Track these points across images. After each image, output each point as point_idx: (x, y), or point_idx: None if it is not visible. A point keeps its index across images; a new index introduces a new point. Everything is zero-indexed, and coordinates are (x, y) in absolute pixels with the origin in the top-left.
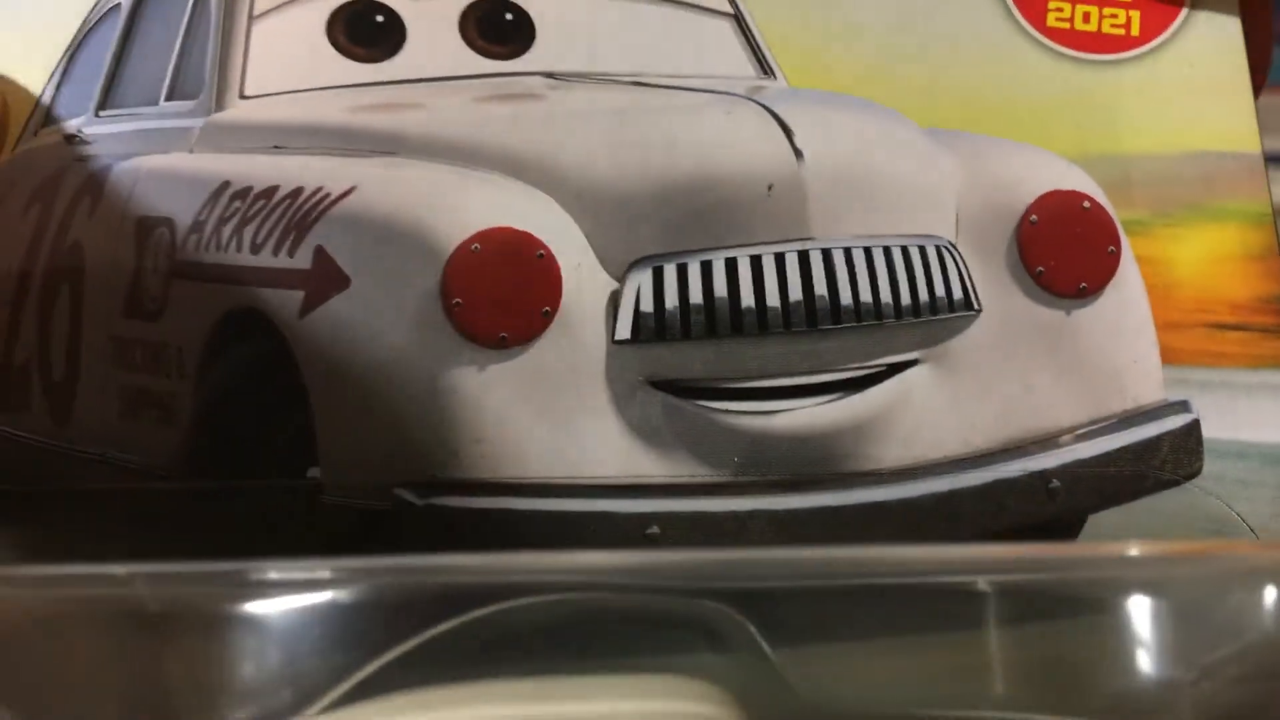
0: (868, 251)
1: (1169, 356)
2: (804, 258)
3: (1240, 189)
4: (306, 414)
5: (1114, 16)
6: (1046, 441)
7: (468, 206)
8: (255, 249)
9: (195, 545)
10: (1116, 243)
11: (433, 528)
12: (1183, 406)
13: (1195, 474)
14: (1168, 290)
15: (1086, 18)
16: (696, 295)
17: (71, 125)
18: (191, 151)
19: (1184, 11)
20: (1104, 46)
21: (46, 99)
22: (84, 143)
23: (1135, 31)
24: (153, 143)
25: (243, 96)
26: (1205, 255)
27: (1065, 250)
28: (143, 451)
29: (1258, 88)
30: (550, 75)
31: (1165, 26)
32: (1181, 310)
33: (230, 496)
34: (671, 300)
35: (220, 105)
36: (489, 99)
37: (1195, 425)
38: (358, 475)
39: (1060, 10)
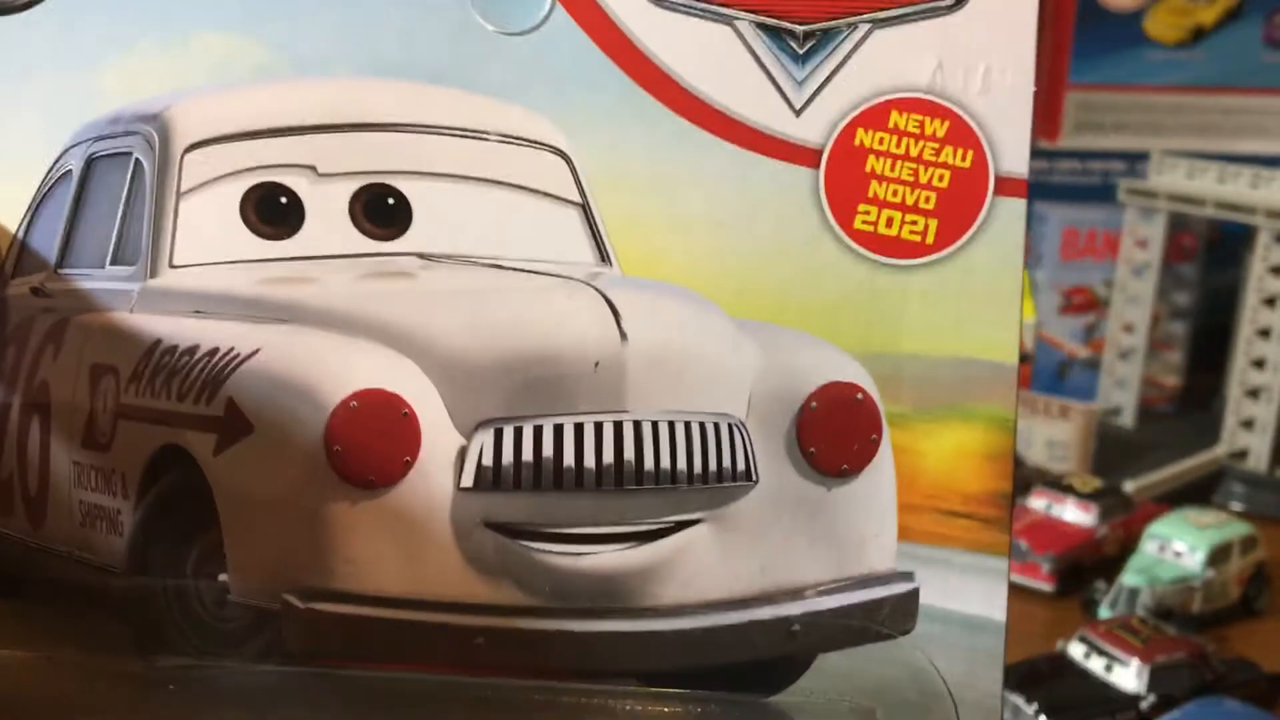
0: (671, 425)
1: (904, 533)
2: (618, 428)
3: (993, 395)
4: (218, 530)
5: (914, 223)
6: (794, 593)
7: (349, 370)
8: (181, 397)
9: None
10: (879, 431)
11: (310, 626)
12: (907, 576)
13: (909, 631)
14: (913, 476)
15: (890, 222)
16: (528, 454)
17: (36, 279)
18: (132, 311)
19: (976, 224)
20: (899, 251)
21: (15, 251)
22: (47, 295)
23: (930, 239)
24: (101, 301)
25: (172, 266)
26: (951, 450)
27: (835, 435)
28: (98, 552)
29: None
30: (422, 256)
31: (957, 237)
32: (921, 495)
33: (159, 591)
34: (508, 457)
35: (154, 273)
36: (370, 276)
37: (915, 593)
38: (256, 581)
39: (868, 214)
